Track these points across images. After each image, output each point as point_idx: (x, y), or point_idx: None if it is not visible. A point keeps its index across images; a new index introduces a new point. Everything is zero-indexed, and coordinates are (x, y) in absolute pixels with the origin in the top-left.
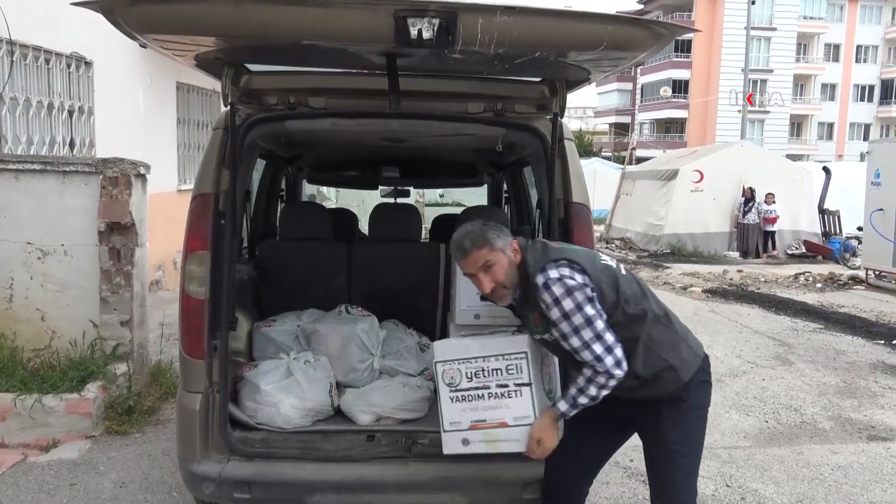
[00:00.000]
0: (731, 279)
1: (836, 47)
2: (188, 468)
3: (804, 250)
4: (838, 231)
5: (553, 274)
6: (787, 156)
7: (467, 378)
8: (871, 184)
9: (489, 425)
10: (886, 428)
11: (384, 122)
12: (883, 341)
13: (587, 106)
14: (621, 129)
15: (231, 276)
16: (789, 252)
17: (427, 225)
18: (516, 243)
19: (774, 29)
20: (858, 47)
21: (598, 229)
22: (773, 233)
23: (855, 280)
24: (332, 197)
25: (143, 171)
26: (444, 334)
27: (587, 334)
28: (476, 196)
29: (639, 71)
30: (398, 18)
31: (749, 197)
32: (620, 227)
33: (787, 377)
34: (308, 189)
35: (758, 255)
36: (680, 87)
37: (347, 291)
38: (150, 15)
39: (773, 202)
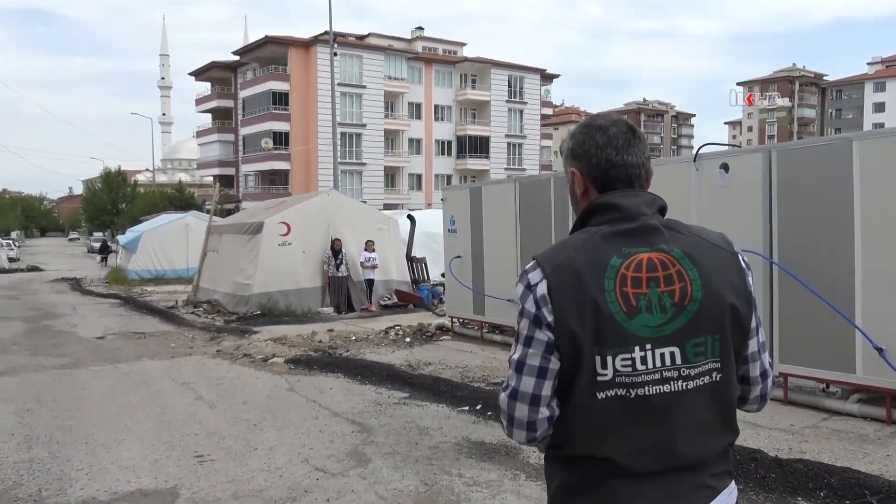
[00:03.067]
0: (320, 341)
1: (418, 106)
2: None
3: (396, 300)
4: (426, 278)
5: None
6: (384, 205)
7: None
8: (448, 231)
9: None
10: None
11: None
12: (467, 407)
13: (191, 158)
14: (226, 182)
15: None
16: (382, 303)
17: None
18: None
19: (364, 87)
20: (436, 107)
21: (187, 290)
22: (371, 282)
23: (442, 329)
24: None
25: None
26: None
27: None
28: None
29: (240, 121)
30: None
31: (338, 249)
32: (208, 289)
33: (360, 488)
34: None
35: (351, 309)
36: (281, 139)
37: None
38: None
39: (374, 249)
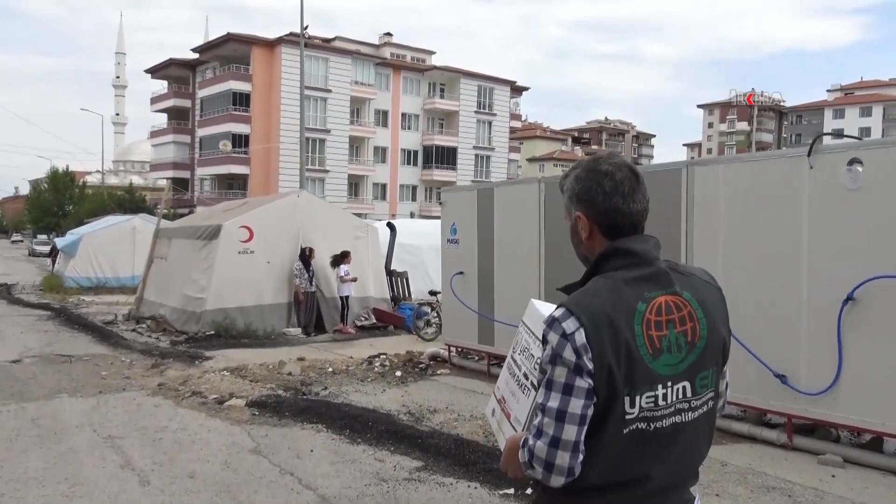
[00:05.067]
0: (290, 374)
1: (385, 113)
2: None
3: (374, 320)
4: (407, 295)
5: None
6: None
7: (521, 349)
8: (448, 241)
9: (505, 410)
10: None
11: None
12: (512, 490)
13: (145, 160)
14: (181, 185)
15: None
16: (358, 323)
17: None
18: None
19: (329, 90)
20: (403, 115)
21: (130, 301)
22: (346, 298)
23: (437, 360)
24: None
25: None
26: None
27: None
28: None
29: (197, 122)
30: None
31: (311, 259)
32: (153, 302)
33: None
34: None
35: (322, 330)
36: (240, 142)
37: None
38: None
39: (349, 262)
